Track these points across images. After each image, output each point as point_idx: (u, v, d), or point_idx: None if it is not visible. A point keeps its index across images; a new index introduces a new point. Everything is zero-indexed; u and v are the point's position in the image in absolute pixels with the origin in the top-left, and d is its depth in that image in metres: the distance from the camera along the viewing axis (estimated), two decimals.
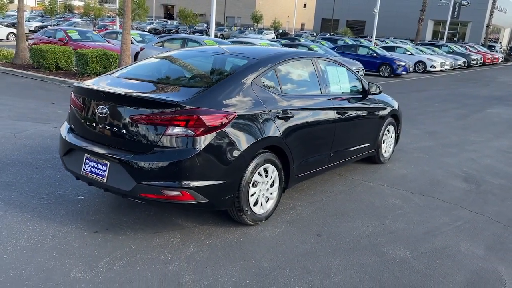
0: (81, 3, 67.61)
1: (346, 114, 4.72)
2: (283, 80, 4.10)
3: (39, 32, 18.21)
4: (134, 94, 3.35)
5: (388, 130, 5.86)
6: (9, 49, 15.42)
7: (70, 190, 4.30)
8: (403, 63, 20.13)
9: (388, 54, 21.09)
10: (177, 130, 3.15)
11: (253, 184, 3.63)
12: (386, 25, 55.21)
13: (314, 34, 52.09)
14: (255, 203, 3.72)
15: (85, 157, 3.51)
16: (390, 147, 6.04)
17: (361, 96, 5.18)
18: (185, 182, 3.17)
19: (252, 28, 54.77)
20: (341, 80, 4.93)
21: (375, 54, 20.47)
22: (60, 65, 12.95)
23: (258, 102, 3.64)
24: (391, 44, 30.47)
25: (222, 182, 3.33)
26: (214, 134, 3.23)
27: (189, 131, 3.15)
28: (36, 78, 12.03)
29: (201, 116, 3.16)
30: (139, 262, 3.10)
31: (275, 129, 3.73)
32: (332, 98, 4.54)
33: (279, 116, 3.79)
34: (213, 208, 3.57)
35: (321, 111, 4.34)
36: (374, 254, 3.44)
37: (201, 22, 57.76)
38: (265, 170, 3.75)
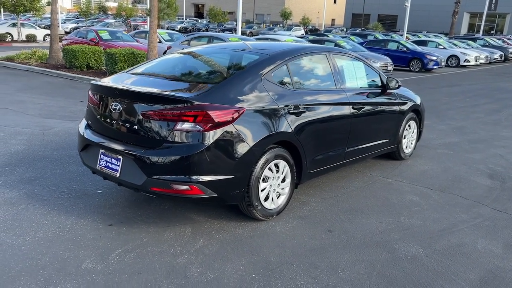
0: (115, 4, 69.31)
1: (362, 109, 4.66)
2: (296, 75, 4.09)
3: (72, 33, 18.79)
4: (145, 90, 3.42)
5: (409, 126, 5.74)
6: (44, 50, 15.96)
7: (90, 185, 4.44)
8: (434, 58, 19.61)
9: (419, 48, 20.59)
10: (186, 125, 3.20)
11: (263, 179, 3.65)
12: (419, 19, 53.93)
13: (344, 29, 51.41)
14: (266, 198, 3.74)
15: (100, 152, 3.62)
16: (412, 143, 5.91)
17: (379, 91, 5.09)
18: (194, 177, 3.22)
19: (281, 25, 54.58)
20: (357, 75, 4.86)
21: (405, 49, 20.02)
22: (90, 64, 13.34)
23: (269, 97, 3.65)
24: (423, 38, 29.71)
25: (231, 177, 3.36)
26: (222, 129, 3.26)
27: (197, 126, 3.20)
28: (67, 78, 12.44)
29: (209, 112, 3.20)
30: (149, 254, 3.18)
31: (286, 124, 3.72)
32: (347, 93, 4.49)
33: (291, 111, 3.78)
34: (222, 203, 3.61)
35: (335, 106, 4.31)
36: (385, 251, 3.39)
37: (230, 20, 58.06)
38: (276, 165, 3.76)
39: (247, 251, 3.29)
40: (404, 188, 4.79)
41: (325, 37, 20.78)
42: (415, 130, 5.92)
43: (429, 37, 32.08)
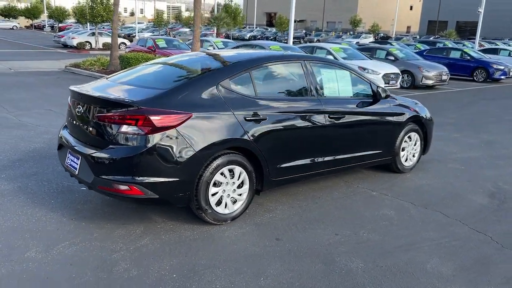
0: (190, 14, 72.30)
1: (342, 119, 4.56)
2: (260, 83, 4.13)
3: (135, 41, 20.01)
4: (99, 95, 3.67)
5: (409, 138, 5.49)
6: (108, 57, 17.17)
7: (77, 182, 4.78)
8: (501, 67, 18.25)
9: (485, 57, 19.28)
10: (129, 128, 3.39)
11: (214, 184, 3.73)
12: (502, 25, 50.33)
13: (417, 36, 49.38)
14: (219, 203, 3.81)
15: (68, 151, 3.92)
16: (414, 156, 5.64)
17: (370, 100, 4.95)
18: (133, 178, 3.39)
19: (351, 33, 53.70)
20: (340, 84, 4.77)
21: (468, 58, 18.84)
22: None
23: (223, 104, 3.73)
24: (496, 46, 27.75)
25: (175, 179, 3.48)
26: (164, 133, 3.40)
27: (138, 129, 3.37)
28: None
29: (149, 116, 3.35)
30: (90, 248, 3.39)
31: (242, 131, 3.78)
32: (323, 102, 4.43)
33: (248, 118, 3.83)
34: (167, 204, 3.74)
35: (306, 114, 4.27)
36: (321, 263, 3.32)
37: (300, 29, 58.23)
38: (231, 171, 3.82)
39: (183, 253, 3.38)
40: (384, 202, 4.61)
41: (375, 45, 20.13)
42: (418, 143, 5.64)
43: (509, 45, 29.90)
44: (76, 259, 3.23)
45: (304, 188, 4.86)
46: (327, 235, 3.78)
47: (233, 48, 14.68)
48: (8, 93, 10.52)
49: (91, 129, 3.63)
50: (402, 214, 4.29)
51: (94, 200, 4.32)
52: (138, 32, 42.17)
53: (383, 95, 4.95)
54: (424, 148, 5.80)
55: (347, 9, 71.04)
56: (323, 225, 3.99)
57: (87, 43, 30.35)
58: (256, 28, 60.40)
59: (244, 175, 3.91)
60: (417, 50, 21.87)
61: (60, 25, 54.14)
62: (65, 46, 30.38)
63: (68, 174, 4.16)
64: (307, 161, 4.37)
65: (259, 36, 50.60)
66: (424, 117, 5.62)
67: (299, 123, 4.22)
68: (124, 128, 3.40)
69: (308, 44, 18.71)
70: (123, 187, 3.41)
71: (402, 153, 5.44)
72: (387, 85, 13.22)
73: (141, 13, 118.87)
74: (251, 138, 3.84)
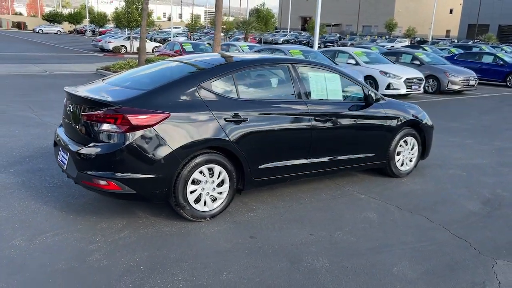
0: (227, 18, 73.24)
1: (329, 121, 4.61)
2: (243, 85, 4.24)
3: (163, 45, 20.55)
4: (85, 95, 3.89)
5: (405, 142, 5.44)
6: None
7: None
8: None
9: None
10: (108, 126, 3.59)
11: (193, 181, 3.87)
12: None
13: (455, 41, 47.99)
14: (198, 200, 3.94)
15: (60, 148, 4.17)
16: (411, 161, 5.59)
17: (362, 104, 4.96)
18: (111, 173, 3.58)
19: (386, 37, 52.84)
20: (329, 87, 4.80)
21: (501, 62, 18.22)
22: None
23: (202, 105, 3.87)
24: None
25: (152, 176, 3.65)
26: (141, 132, 3.57)
27: (117, 128, 3.56)
28: None
29: (127, 115, 3.54)
30: (71, 239, 3.60)
31: (221, 131, 3.90)
32: (309, 105, 4.49)
33: (227, 119, 3.95)
34: (144, 200, 3.91)
35: (290, 116, 4.35)
36: (288, 261, 3.39)
37: (334, 33, 57.83)
38: (211, 169, 3.95)
39: (156, 247, 3.54)
40: (370, 205, 4.60)
41: (401, 50, 19.79)
42: (416, 147, 5.58)
43: None
44: (55, 248, 3.45)
45: (293, 189, 4.93)
46: (302, 235, 3.84)
47: (252, 52, 14.84)
48: (37, 94, 11.10)
49: (78, 127, 3.85)
50: (384, 218, 4.29)
51: (87, 195, 4.54)
52: (173, 37, 43.26)
53: (374, 98, 4.95)
54: (423, 153, 5.73)
55: (383, 13, 69.94)
56: (301, 225, 4.04)
57: (123, 47, 31.37)
58: (290, 32, 60.47)
59: (224, 174, 4.03)
60: (450, 55, 21.34)
61: (100, 29, 56.20)
62: (102, 49, 31.54)
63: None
64: (291, 162, 4.44)
65: (292, 40, 50.64)
66: (421, 121, 5.56)
67: (282, 125, 4.30)
68: (105, 126, 3.60)
69: (331, 48, 18.65)
70: (102, 182, 3.60)
71: (397, 157, 5.41)
72: (409, 90, 13.01)
73: (179, 18, 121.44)
74: (231, 138, 3.95)
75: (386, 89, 12.81)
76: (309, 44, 45.42)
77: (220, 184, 4.05)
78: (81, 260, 3.28)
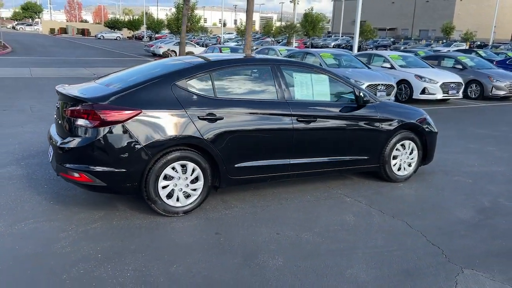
0: (280, 23, 73.49)
1: (313, 122, 4.57)
2: (222, 84, 4.31)
3: (204, 49, 21.05)
4: (66, 92, 4.12)
5: (403, 146, 5.27)
6: None
7: None
8: None
9: None
10: (82, 122, 3.80)
11: (166, 177, 3.99)
12: None
13: None
14: (170, 196, 4.05)
15: (50, 142, 4.45)
16: (409, 165, 5.39)
17: (354, 105, 4.88)
18: (84, 166, 3.78)
19: (443, 41, 50.80)
20: (316, 88, 4.76)
21: None
22: None
23: (176, 103, 3.99)
24: None
25: (121, 170, 3.81)
26: (111, 127, 3.75)
27: (89, 123, 3.76)
28: None
29: (97, 111, 3.73)
30: (46, 227, 3.83)
31: (194, 129, 4.00)
32: (292, 105, 4.48)
33: (201, 117, 4.04)
34: (116, 193, 4.08)
35: (270, 116, 4.36)
36: (242, 257, 3.42)
37: (388, 37, 56.45)
38: (184, 166, 4.05)
39: (121, 238, 3.68)
40: (352, 208, 4.51)
41: (441, 53, 18.94)
42: (415, 152, 5.38)
43: None
44: (29, 234, 3.69)
45: (279, 189, 4.92)
46: (268, 234, 3.84)
47: (284, 55, 14.86)
48: None
49: (63, 123, 4.10)
50: (361, 221, 4.19)
51: (78, 188, 4.79)
52: (224, 42, 44.16)
53: (365, 99, 4.84)
54: (424, 158, 5.51)
55: (441, 17, 67.24)
56: (272, 224, 4.04)
57: (172, 52, 32.43)
58: (342, 36, 59.69)
59: (198, 171, 4.12)
60: (502, 59, 20.21)
61: (156, 35, 58.45)
62: (154, 54, 32.77)
63: None
64: (271, 162, 4.45)
65: (343, 45, 49.90)
66: (421, 125, 5.35)
67: (262, 124, 4.32)
68: (79, 121, 3.81)
69: (367, 52, 18.22)
70: (75, 174, 3.82)
71: (393, 161, 5.24)
72: (446, 95, 12.46)
73: (234, 24, 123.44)
74: (205, 136, 4.04)
75: (421, 93, 12.38)
76: (361, 47, 44.66)
77: (194, 181, 4.14)
78: (47, 247, 3.49)
